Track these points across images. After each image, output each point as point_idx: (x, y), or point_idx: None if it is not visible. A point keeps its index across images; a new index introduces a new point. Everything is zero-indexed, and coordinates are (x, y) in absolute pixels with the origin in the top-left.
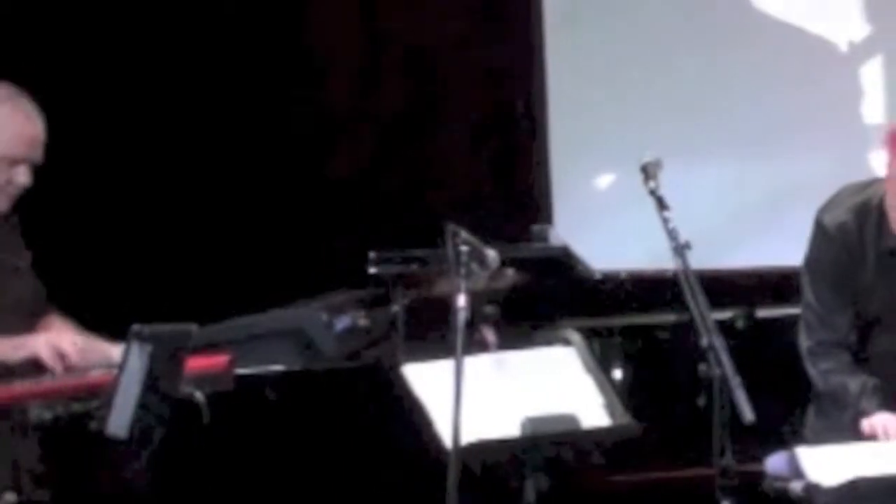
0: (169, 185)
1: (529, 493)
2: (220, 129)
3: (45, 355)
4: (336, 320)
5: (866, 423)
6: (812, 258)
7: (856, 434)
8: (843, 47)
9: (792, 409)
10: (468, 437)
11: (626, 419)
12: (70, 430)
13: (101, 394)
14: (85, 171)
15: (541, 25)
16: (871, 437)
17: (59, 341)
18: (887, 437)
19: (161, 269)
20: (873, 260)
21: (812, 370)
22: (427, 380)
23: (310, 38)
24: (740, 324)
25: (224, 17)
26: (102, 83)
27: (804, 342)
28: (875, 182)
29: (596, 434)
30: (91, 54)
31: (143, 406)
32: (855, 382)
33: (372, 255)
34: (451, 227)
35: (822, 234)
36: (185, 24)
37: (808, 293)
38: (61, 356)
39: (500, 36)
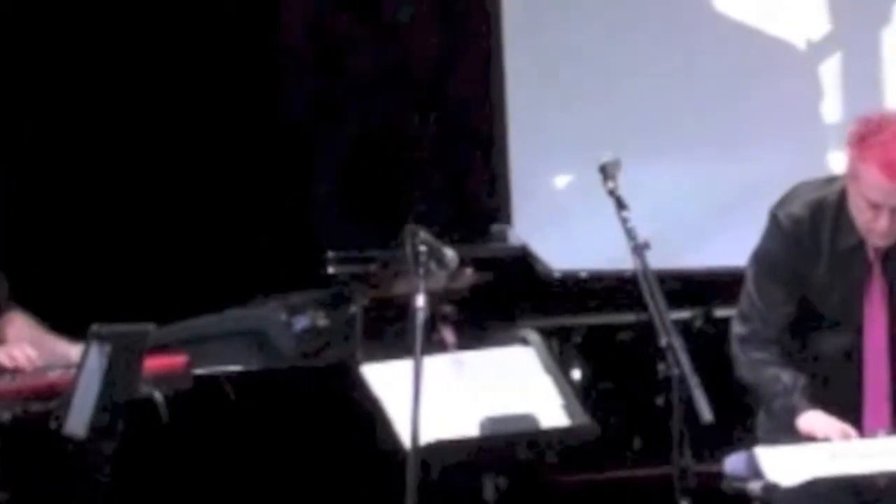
0: (128, 186)
1: (488, 492)
2: (177, 128)
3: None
4: (294, 320)
5: (804, 423)
6: (762, 251)
7: (794, 430)
8: (802, 47)
9: (750, 409)
10: (427, 436)
11: (584, 419)
12: (29, 429)
13: (60, 393)
14: (41, 171)
15: (499, 25)
16: (811, 437)
17: (15, 355)
18: (846, 437)
19: (120, 269)
20: (828, 258)
21: (741, 358)
22: (386, 380)
23: (274, 39)
24: (698, 323)
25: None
26: (50, 81)
27: (737, 329)
28: (833, 180)
29: (554, 434)
30: (39, 49)
31: (101, 406)
32: (787, 375)
33: (330, 254)
34: (410, 227)
35: (775, 229)
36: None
37: (750, 284)
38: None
39: (457, 36)
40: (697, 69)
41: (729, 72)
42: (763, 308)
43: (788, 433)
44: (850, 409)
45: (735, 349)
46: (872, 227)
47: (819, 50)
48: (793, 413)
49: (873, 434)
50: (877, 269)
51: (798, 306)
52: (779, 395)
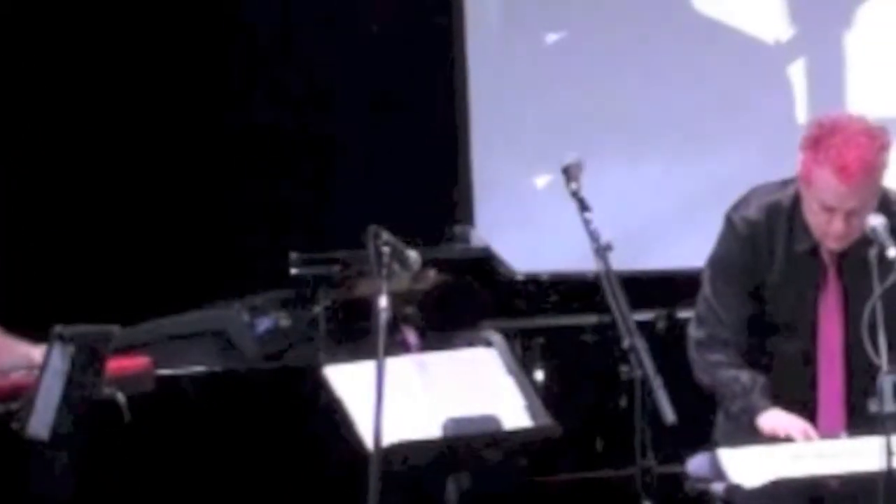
0: (90, 186)
1: (451, 493)
2: (141, 128)
3: None
4: (257, 321)
5: (765, 422)
6: (718, 254)
7: (754, 431)
8: (766, 49)
9: (713, 410)
10: (390, 437)
11: (547, 420)
12: None
13: (23, 395)
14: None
15: (462, 25)
16: (776, 436)
17: None
18: (807, 437)
19: (82, 270)
20: (783, 261)
21: (699, 361)
22: (349, 381)
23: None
24: (661, 325)
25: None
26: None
27: (694, 333)
28: (788, 183)
29: (517, 435)
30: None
31: (64, 407)
32: (746, 376)
33: (293, 255)
34: (372, 228)
35: (730, 232)
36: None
37: (707, 287)
38: None
39: (420, 34)
40: (661, 69)
41: (693, 72)
42: (720, 311)
43: (748, 435)
44: (804, 412)
45: (692, 352)
46: (827, 230)
47: (785, 50)
48: (752, 413)
49: (834, 435)
50: (832, 273)
51: (754, 309)
52: (737, 396)
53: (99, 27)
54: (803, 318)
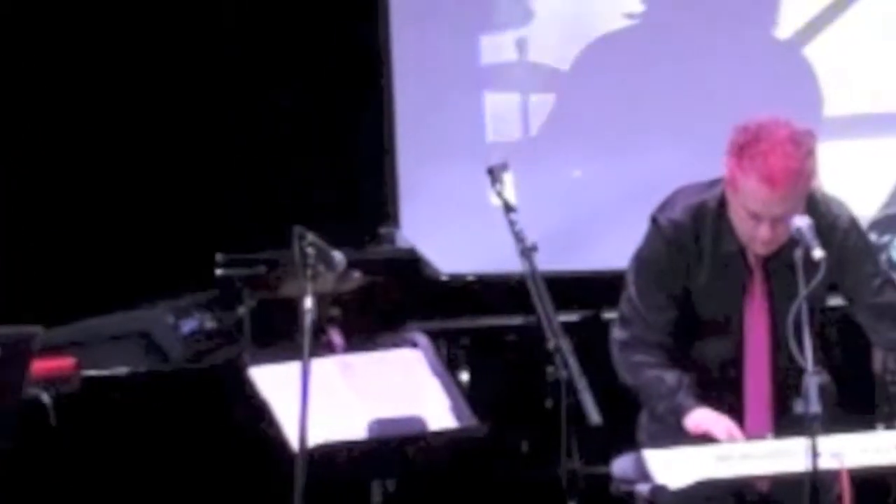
0: (15, 186)
1: (376, 494)
2: (66, 128)
3: None
4: (182, 322)
5: (691, 422)
6: (642, 255)
7: (682, 434)
8: (693, 47)
9: (638, 411)
10: (315, 439)
11: (472, 421)
12: None
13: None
14: None
15: (387, 28)
16: (702, 435)
17: None
18: (732, 437)
19: (6, 271)
20: (709, 263)
21: (623, 362)
22: (274, 382)
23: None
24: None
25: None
26: None
27: (618, 335)
28: (714, 183)
29: (442, 436)
30: None
31: None
32: (671, 376)
33: (219, 257)
34: (297, 229)
35: (656, 233)
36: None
37: (631, 288)
38: None
39: (344, 35)
40: (588, 70)
41: (620, 72)
42: (645, 313)
43: (673, 436)
44: (731, 413)
45: (615, 354)
46: (753, 235)
47: (716, 53)
48: (679, 414)
49: (760, 436)
50: (758, 274)
51: (680, 311)
52: (663, 396)
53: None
54: (730, 319)
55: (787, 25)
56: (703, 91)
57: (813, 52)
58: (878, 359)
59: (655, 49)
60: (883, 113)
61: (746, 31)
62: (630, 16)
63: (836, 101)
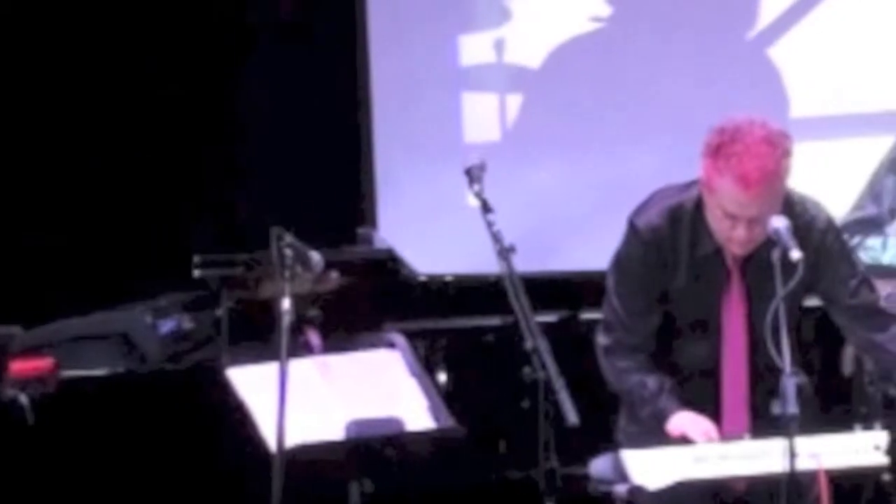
0: None
1: (354, 495)
2: (40, 125)
3: None
4: (160, 323)
5: (673, 425)
6: (621, 259)
7: (662, 436)
8: (671, 49)
9: (616, 411)
10: (293, 439)
11: (449, 422)
12: None
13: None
14: None
15: (365, 30)
16: (680, 439)
17: None
18: (709, 439)
19: None
20: (687, 265)
21: (608, 368)
22: (251, 383)
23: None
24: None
25: None
26: None
27: (601, 340)
28: (690, 185)
29: (420, 437)
30: None
31: None
32: (653, 380)
33: (196, 257)
34: (275, 229)
35: (634, 236)
36: None
37: (612, 294)
38: None
39: (323, 34)
40: (566, 71)
41: (598, 73)
42: (625, 317)
43: (652, 438)
44: (709, 416)
45: (601, 359)
46: (730, 236)
47: (690, 55)
48: (661, 418)
49: (737, 437)
50: (735, 276)
51: (660, 313)
52: (646, 401)
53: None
54: (708, 320)
55: (753, 27)
56: (676, 93)
57: (779, 53)
58: (847, 361)
59: (628, 51)
60: (850, 114)
61: (716, 34)
62: (599, 18)
63: (803, 103)
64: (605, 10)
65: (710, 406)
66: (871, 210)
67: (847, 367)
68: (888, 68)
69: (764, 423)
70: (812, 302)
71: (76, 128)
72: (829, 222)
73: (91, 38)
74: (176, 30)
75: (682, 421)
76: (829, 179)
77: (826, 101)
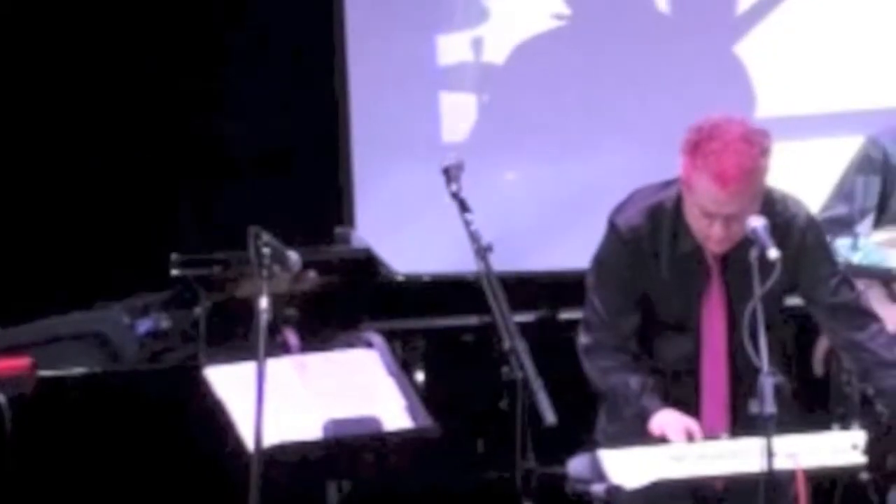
0: None
1: (332, 495)
2: (20, 124)
3: None
4: (138, 322)
5: (654, 424)
6: (602, 259)
7: (643, 436)
8: (646, 49)
9: (594, 411)
10: (271, 439)
11: (427, 421)
12: None
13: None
14: None
15: (343, 28)
16: (662, 438)
17: None
18: (689, 437)
19: None
20: (667, 264)
21: (590, 368)
22: (229, 382)
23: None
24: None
25: None
26: None
27: (583, 340)
28: (670, 184)
29: (398, 436)
30: None
31: None
32: (635, 380)
33: (174, 257)
34: (253, 229)
35: (614, 236)
36: None
37: (592, 294)
38: None
39: (302, 38)
40: (543, 71)
41: (574, 73)
42: (607, 317)
43: (632, 437)
44: (690, 413)
45: (583, 360)
46: (708, 234)
47: (664, 55)
48: (645, 417)
49: (715, 436)
50: (715, 273)
51: (641, 312)
52: (629, 401)
53: None
54: (688, 319)
55: (721, 27)
56: (651, 92)
57: (746, 53)
58: (818, 360)
59: (605, 51)
60: (818, 114)
61: (686, 35)
62: (569, 18)
63: (771, 103)
64: (578, 12)
65: (690, 405)
66: (841, 210)
67: (818, 367)
68: (856, 67)
69: (744, 422)
70: (791, 301)
71: (52, 127)
72: (810, 221)
73: (66, 37)
74: (154, 33)
75: (664, 420)
76: (798, 179)
77: (794, 101)
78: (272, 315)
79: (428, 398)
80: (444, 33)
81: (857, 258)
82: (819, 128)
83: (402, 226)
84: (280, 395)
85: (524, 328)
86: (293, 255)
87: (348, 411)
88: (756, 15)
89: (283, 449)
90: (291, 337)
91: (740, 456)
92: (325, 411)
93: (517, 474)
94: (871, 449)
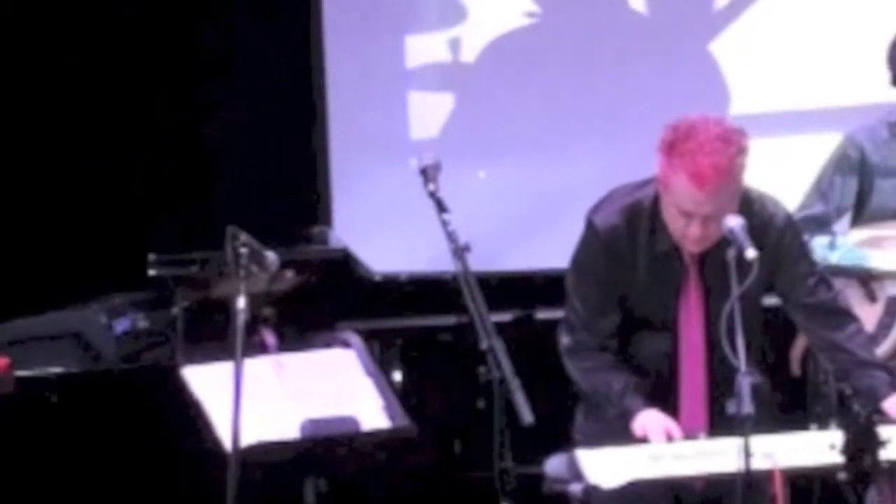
0: None
1: (309, 494)
2: (8, 127)
3: None
4: (115, 322)
5: (637, 425)
6: (580, 259)
7: (623, 435)
8: (626, 50)
9: (571, 410)
10: (248, 438)
11: (404, 421)
12: None
13: None
14: None
15: (320, 26)
16: (644, 438)
17: None
18: (668, 437)
19: None
20: (645, 262)
21: (572, 369)
22: (207, 382)
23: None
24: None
25: None
26: None
27: (564, 340)
28: (647, 183)
29: (375, 436)
30: None
31: None
32: (618, 381)
33: (151, 256)
34: (230, 228)
35: (592, 235)
36: None
37: (572, 294)
38: None
39: (278, 32)
40: (519, 72)
41: (550, 74)
42: (587, 317)
43: (610, 436)
44: (668, 412)
45: (564, 360)
46: (685, 233)
47: (641, 56)
48: (627, 417)
49: (693, 436)
50: (693, 272)
51: (621, 311)
52: (612, 402)
53: None
54: (666, 318)
55: (697, 24)
56: (625, 89)
57: (721, 50)
58: (795, 358)
59: (576, 51)
60: (795, 111)
61: (660, 32)
62: (541, 17)
63: (747, 100)
64: (551, 10)
65: (668, 404)
66: (818, 209)
67: (795, 366)
68: (832, 64)
69: (723, 422)
70: (769, 301)
71: (33, 127)
72: (788, 220)
73: (51, 38)
74: (129, 35)
75: (645, 420)
76: (774, 178)
77: (769, 98)
78: (250, 315)
79: (405, 398)
80: (417, 34)
81: (834, 257)
82: (795, 125)
83: (380, 225)
84: (258, 395)
85: (501, 328)
86: (270, 255)
87: (326, 411)
88: (732, 12)
89: (260, 448)
90: (269, 337)
91: (718, 456)
92: (303, 411)
93: (495, 474)
94: (848, 449)
